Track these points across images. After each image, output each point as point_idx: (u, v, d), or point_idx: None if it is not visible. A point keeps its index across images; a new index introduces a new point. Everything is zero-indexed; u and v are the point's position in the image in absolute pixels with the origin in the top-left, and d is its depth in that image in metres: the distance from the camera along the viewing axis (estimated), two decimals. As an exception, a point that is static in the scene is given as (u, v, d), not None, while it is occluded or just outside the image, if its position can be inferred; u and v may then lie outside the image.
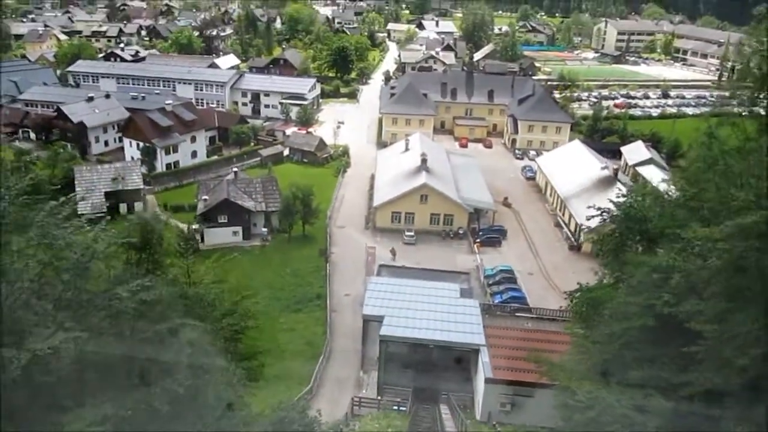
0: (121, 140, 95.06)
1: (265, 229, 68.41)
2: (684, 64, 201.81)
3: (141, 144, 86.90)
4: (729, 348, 12.76)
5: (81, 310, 12.37)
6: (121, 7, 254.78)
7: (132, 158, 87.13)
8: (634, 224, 22.10)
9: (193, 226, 67.27)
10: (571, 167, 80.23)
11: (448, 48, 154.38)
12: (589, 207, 41.06)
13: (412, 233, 68.13)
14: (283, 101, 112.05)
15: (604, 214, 30.06)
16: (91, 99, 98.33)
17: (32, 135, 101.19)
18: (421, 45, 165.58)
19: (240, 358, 31.95)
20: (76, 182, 72.23)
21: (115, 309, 12.45)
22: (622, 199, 32.55)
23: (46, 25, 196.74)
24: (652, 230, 20.50)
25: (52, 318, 11.70)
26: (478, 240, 68.27)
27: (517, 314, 49.87)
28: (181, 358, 12.81)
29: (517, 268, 61.90)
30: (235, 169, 74.85)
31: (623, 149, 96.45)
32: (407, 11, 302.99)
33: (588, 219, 48.62)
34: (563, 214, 74.52)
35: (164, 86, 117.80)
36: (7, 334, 10.95)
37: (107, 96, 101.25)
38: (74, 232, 13.09)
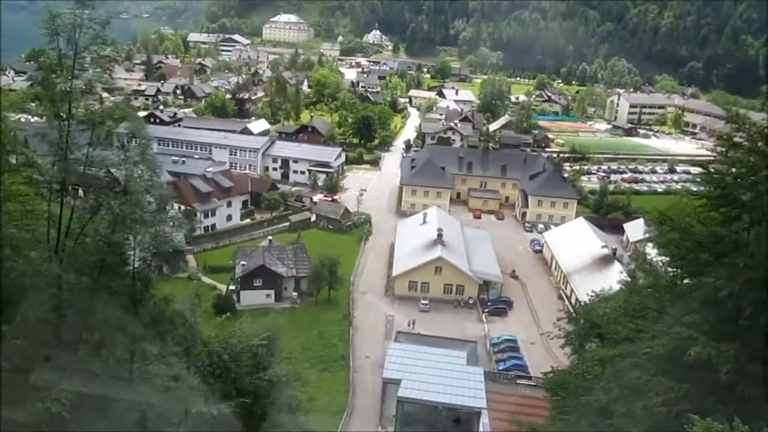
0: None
1: (295, 293, 76.12)
2: (693, 138, 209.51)
3: (183, 207, 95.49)
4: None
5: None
6: (158, 65, 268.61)
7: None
8: (590, 327, 29.09)
9: (231, 287, 75.07)
10: (575, 244, 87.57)
11: (465, 119, 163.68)
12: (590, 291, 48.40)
13: (426, 302, 75.49)
14: (311, 168, 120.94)
15: (564, 319, 36.68)
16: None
17: (79, 192, 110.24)
18: (441, 115, 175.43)
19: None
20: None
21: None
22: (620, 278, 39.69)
23: (89, 81, 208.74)
24: (604, 331, 27.46)
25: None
26: (486, 310, 75.52)
27: (518, 381, 56.76)
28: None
29: (520, 337, 68.84)
30: (270, 238, 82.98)
31: (626, 226, 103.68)
32: (428, 75, 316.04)
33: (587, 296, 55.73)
34: (566, 288, 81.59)
35: (201, 150, 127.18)
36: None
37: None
38: None
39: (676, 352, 14.71)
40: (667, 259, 20.14)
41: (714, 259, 15.47)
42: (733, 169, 16.00)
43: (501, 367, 61.56)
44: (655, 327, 16.49)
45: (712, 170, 16.83)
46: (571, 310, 76.71)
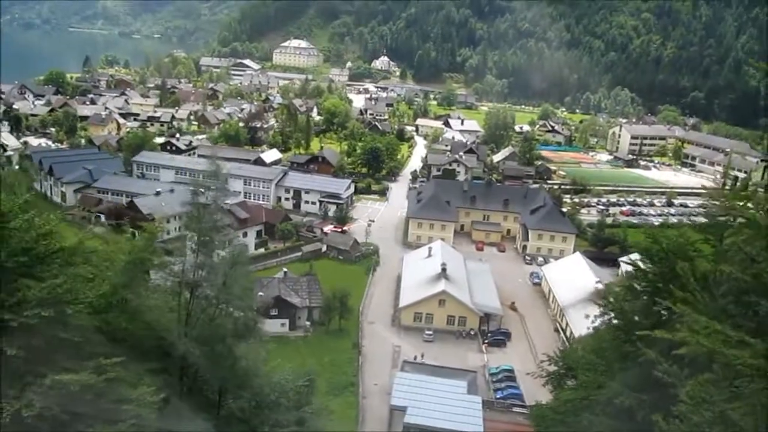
0: (180, 229, 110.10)
1: (308, 322, 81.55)
2: (693, 170, 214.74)
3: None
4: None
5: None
6: (171, 90, 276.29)
7: (191, 249, 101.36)
8: (567, 369, 34.32)
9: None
10: (571, 278, 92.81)
11: (470, 151, 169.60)
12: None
13: (431, 332, 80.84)
14: (322, 200, 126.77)
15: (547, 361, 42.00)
16: (158, 194, 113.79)
17: (103, 219, 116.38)
18: (446, 146, 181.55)
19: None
20: (152, 272, 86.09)
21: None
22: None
23: (106, 107, 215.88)
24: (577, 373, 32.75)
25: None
26: (486, 341, 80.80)
27: (513, 409, 61.90)
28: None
29: (517, 367, 73.84)
30: (285, 270, 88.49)
31: (621, 260, 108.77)
32: (435, 102, 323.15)
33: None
34: (562, 321, 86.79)
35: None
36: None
37: (171, 191, 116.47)
38: None
39: (612, 398, 20.18)
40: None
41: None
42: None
43: (498, 396, 66.67)
44: (599, 378, 22.03)
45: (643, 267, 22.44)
46: (566, 343, 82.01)
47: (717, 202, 22.04)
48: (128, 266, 17.55)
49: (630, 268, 28.54)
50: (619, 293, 25.24)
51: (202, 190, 20.92)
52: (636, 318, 21.17)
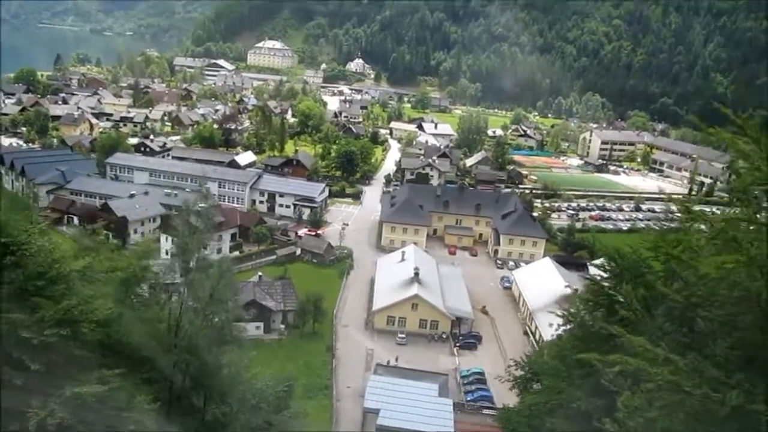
0: (154, 231, 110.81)
1: (282, 325, 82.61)
2: (661, 176, 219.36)
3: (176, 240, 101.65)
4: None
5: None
6: (144, 90, 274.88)
7: (167, 252, 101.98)
8: (533, 374, 36.19)
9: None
10: (540, 282, 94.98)
11: (443, 155, 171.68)
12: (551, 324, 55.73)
13: (403, 335, 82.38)
14: (297, 203, 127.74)
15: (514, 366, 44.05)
16: (132, 196, 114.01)
17: (76, 221, 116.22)
18: (420, 150, 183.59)
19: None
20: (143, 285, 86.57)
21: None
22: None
23: (78, 107, 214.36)
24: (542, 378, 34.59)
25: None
26: (457, 344, 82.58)
27: (483, 411, 63.63)
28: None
29: (488, 370, 75.63)
30: (260, 274, 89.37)
31: (590, 264, 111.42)
32: (409, 105, 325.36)
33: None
34: (531, 325, 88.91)
35: (191, 182, 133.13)
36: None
37: (146, 193, 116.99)
38: None
39: (571, 403, 21.85)
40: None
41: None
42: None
43: (469, 398, 68.44)
44: (560, 383, 23.69)
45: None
46: (535, 346, 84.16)
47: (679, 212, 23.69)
48: (125, 282, 18.72)
49: (597, 270, 30.50)
50: (578, 304, 26.84)
51: (192, 215, 22.05)
52: (593, 329, 22.73)
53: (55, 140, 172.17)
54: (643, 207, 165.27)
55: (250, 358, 25.52)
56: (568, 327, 29.45)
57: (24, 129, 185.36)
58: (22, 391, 11.02)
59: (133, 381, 14.47)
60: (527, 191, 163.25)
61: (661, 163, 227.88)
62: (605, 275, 25.03)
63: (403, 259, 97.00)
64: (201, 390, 19.07)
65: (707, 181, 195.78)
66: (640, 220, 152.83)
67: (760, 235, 11.52)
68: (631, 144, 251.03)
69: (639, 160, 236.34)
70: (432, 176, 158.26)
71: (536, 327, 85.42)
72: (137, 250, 23.60)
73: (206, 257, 22.09)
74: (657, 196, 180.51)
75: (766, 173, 11.07)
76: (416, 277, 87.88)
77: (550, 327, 56.50)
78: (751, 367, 11.42)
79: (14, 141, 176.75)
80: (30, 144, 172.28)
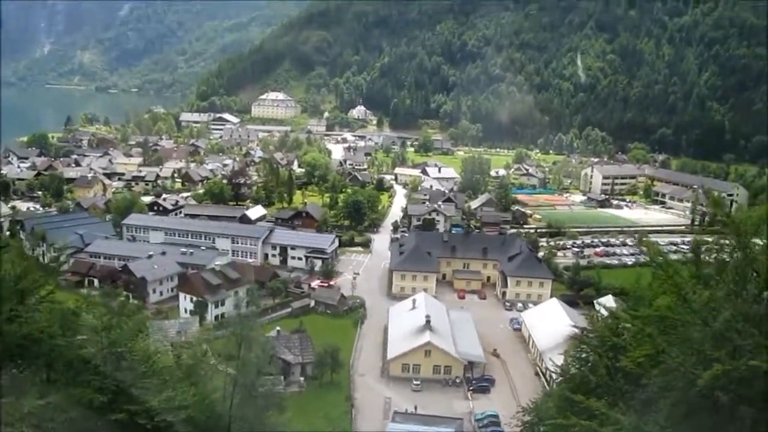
0: (173, 290, 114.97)
1: (301, 377, 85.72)
2: (663, 207, 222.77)
3: (194, 298, 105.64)
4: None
5: None
6: (153, 147, 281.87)
7: (186, 309, 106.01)
8: (539, 420, 39.47)
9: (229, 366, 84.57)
10: (548, 323, 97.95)
11: (448, 200, 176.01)
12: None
13: (418, 382, 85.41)
14: (308, 255, 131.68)
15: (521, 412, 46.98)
16: (150, 257, 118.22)
17: (96, 283, 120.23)
18: (425, 195, 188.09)
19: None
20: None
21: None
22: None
23: (91, 168, 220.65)
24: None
25: None
26: (471, 388, 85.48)
27: (498, 453, 66.48)
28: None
29: (501, 413, 78.38)
30: (278, 329, 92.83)
31: (596, 302, 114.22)
32: (412, 149, 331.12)
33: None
34: (542, 365, 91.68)
35: (206, 239, 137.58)
36: None
37: (163, 253, 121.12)
38: None
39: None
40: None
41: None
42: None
43: (484, 441, 71.29)
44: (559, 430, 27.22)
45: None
46: (546, 386, 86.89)
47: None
48: (192, 368, 22.52)
49: (603, 311, 34.50)
50: (571, 358, 30.43)
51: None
52: (583, 380, 26.37)
53: (70, 203, 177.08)
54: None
55: (288, 419, 29.12)
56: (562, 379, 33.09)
57: (40, 193, 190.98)
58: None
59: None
60: (532, 231, 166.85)
61: (663, 195, 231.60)
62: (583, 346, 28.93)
63: (414, 307, 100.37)
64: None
65: (709, 210, 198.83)
66: (644, 254, 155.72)
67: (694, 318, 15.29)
68: (632, 177, 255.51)
69: (641, 192, 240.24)
70: (438, 221, 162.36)
71: (546, 368, 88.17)
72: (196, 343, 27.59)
73: (253, 339, 25.93)
74: (660, 228, 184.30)
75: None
76: (428, 325, 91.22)
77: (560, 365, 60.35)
78: (689, 422, 15.11)
79: (31, 205, 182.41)
80: (47, 208, 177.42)
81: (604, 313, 30.53)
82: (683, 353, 14.56)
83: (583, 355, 27.46)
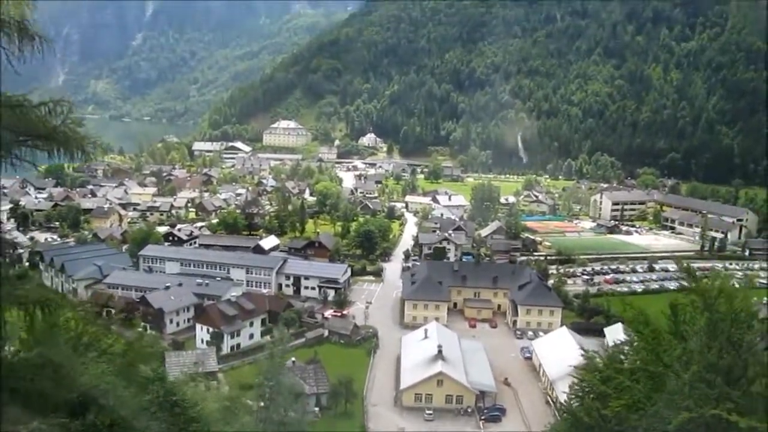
0: (189, 321, 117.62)
1: (316, 408, 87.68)
2: (673, 233, 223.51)
3: (210, 329, 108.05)
4: None
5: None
6: (167, 177, 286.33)
7: (202, 340, 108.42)
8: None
9: (261, 404, 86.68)
10: (559, 352, 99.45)
11: (458, 229, 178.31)
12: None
13: (431, 412, 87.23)
14: (321, 285, 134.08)
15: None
16: (167, 288, 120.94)
17: (114, 315, 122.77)
18: (435, 224, 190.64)
19: None
20: (166, 365, 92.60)
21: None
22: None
23: (107, 199, 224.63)
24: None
25: None
26: (482, 417, 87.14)
27: (510, 482, 68.09)
28: None
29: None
30: (293, 359, 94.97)
31: (606, 330, 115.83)
32: (422, 176, 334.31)
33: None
34: (552, 394, 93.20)
35: (221, 269, 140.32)
36: None
37: (180, 284, 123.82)
38: None
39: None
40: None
41: None
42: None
43: (496, 470, 72.91)
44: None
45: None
46: (557, 415, 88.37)
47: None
48: (225, 411, 24.94)
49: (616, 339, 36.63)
50: (571, 395, 32.60)
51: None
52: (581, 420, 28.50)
53: (87, 234, 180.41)
54: (657, 266, 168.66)
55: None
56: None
57: (57, 223, 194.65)
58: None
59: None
60: (542, 258, 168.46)
61: (672, 221, 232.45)
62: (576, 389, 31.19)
63: (426, 337, 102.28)
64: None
65: (718, 236, 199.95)
66: (654, 280, 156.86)
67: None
68: (642, 203, 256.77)
69: (650, 218, 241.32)
70: (449, 249, 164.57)
71: (557, 396, 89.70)
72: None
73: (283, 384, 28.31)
74: (669, 254, 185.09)
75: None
76: (440, 354, 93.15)
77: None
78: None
79: (49, 236, 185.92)
80: (64, 238, 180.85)
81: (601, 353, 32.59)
82: (659, 401, 16.89)
83: (580, 394, 29.68)
